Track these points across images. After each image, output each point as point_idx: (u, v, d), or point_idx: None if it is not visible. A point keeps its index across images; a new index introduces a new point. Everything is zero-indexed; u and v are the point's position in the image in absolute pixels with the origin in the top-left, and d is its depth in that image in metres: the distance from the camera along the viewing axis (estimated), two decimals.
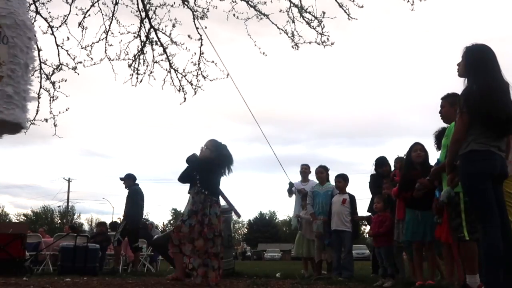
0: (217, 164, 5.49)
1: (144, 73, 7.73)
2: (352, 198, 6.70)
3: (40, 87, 7.47)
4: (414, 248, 5.16)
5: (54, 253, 8.83)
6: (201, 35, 7.44)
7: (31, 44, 3.09)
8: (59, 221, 54.32)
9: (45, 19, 7.28)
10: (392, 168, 6.45)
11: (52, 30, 7.34)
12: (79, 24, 7.29)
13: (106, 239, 9.69)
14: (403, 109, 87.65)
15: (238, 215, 7.35)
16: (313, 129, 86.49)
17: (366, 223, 7.67)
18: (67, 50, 7.35)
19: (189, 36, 7.43)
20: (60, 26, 7.29)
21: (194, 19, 7.43)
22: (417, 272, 5.19)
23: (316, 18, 6.89)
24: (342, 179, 6.82)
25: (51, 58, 7.47)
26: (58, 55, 7.43)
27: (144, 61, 7.75)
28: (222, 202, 6.13)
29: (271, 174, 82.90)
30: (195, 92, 7.75)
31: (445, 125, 4.90)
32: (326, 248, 6.88)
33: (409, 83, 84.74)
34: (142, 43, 7.68)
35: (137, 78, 7.72)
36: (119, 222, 12.20)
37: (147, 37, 7.65)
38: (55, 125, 7.43)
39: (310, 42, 7.09)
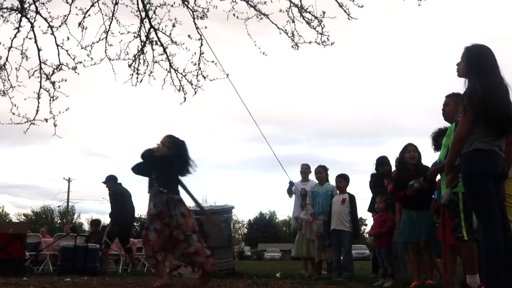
0: (173, 162, 5.06)
1: (144, 73, 7.72)
2: (351, 198, 6.70)
3: (40, 87, 7.46)
4: (411, 248, 5.17)
5: (54, 253, 8.83)
6: (201, 35, 7.45)
7: None
8: (59, 221, 54.30)
9: (45, 19, 7.28)
10: (393, 169, 6.46)
11: (52, 30, 7.33)
12: (79, 24, 7.28)
13: (101, 237, 9.62)
14: (403, 109, 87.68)
15: (214, 224, 6.71)
16: (313, 129, 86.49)
17: (365, 223, 7.69)
18: (67, 50, 7.34)
19: (189, 36, 7.43)
20: (60, 26, 7.28)
21: (193, 19, 7.43)
22: (413, 272, 5.21)
23: (316, 18, 6.88)
24: (343, 179, 6.82)
25: (51, 58, 7.47)
26: (58, 55, 7.42)
27: (144, 61, 7.74)
28: (223, 202, 6.04)
29: (271, 174, 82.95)
30: (195, 92, 7.74)
31: (443, 125, 4.92)
32: (326, 248, 6.89)
33: (409, 83, 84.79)
34: (142, 43, 7.68)
35: (137, 78, 7.71)
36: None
37: (147, 37, 7.65)
38: (55, 125, 7.42)
39: (310, 42, 7.08)
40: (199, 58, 7.54)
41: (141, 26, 7.59)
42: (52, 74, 7.46)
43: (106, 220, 12.59)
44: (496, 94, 3.41)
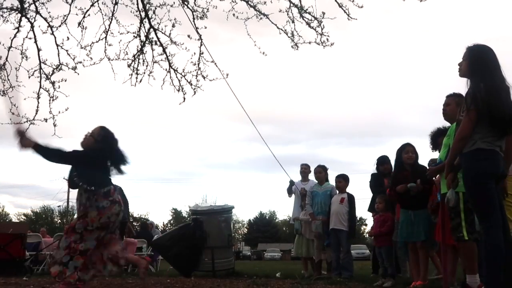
0: (97, 157, 4.49)
1: (144, 73, 7.72)
2: (350, 197, 6.69)
3: (40, 87, 7.47)
4: (410, 248, 5.19)
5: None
6: (200, 35, 7.45)
7: None
8: (59, 221, 54.31)
9: (45, 19, 7.29)
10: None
11: (52, 30, 7.35)
12: (79, 24, 7.29)
13: None
14: (403, 109, 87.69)
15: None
16: (313, 129, 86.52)
17: (365, 223, 7.69)
18: (67, 50, 7.35)
19: (188, 36, 7.43)
20: (60, 26, 7.29)
21: (193, 19, 7.43)
22: (413, 272, 5.21)
23: (316, 18, 6.88)
24: (343, 179, 6.82)
25: (51, 58, 7.48)
26: (58, 55, 7.44)
27: (143, 61, 7.75)
28: (223, 202, 5.93)
29: (271, 174, 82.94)
30: (195, 92, 7.74)
31: (442, 125, 4.91)
32: (325, 248, 6.89)
33: (409, 83, 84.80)
34: (142, 43, 7.68)
35: (136, 78, 7.71)
36: None
37: (146, 37, 7.65)
38: (54, 125, 7.43)
39: (310, 42, 7.08)
40: (199, 58, 7.55)
41: (140, 26, 7.60)
42: (52, 74, 7.48)
43: None
44: (499, 94, 3.41)
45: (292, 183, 7.80)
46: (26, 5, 7.23)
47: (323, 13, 6.80)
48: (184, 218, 55.48)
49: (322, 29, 6.91)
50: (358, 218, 6.99)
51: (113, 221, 4.47)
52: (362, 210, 48.97)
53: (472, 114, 3.39)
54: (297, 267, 9.25)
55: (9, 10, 7.24)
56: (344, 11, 6.60)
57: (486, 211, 3.36)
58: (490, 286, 3.24)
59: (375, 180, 6.70)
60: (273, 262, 30.71)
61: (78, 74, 7.37)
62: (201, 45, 7.49)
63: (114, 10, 7.42)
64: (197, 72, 7.59)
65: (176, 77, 7.77)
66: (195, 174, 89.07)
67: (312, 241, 7.12)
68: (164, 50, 7.68)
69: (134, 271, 8.81)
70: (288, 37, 7.15)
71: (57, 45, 7.36)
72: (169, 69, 7.74)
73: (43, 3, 7.20)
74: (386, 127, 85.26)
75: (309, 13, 6.88)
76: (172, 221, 60.87)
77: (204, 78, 7.59)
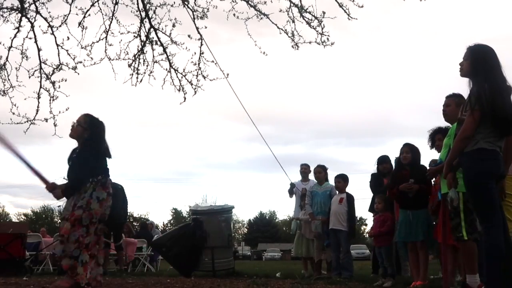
0: (94, 142, 4.52)
1: (144, 73, 7.73)
2: (349, 197, 6.68)
3: (40, 87, 7.48)
4: (409, 248, 5.20)
5: (54, 253, 8.83)
6: (201, 35, 7.45)
7: None
8: (59, 221, 54.31)
9: (45, 19, 7.30)
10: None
11: (52, 30, 7.35)
12: (79, 24, 7.29)
13: None
14: (403, 109, 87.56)
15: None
16: (312, 129, 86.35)
17: (365, 223, 7.70)
18: (67, 50, 7.35)
19: (189, 36, 7.43)
20: (60, 26, 7.30)
21: (194, 19, 7.43)
22: (413, 272, 5.21)
23: (316, 18, 6.89)
24: (342, 179, 6.81)
25: (51, 58, 7.49)
26: (58, 55, 7.44)
27: (144, 60, 7.75)
28: (223, 202, 5.94)
29: (271, 174, 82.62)
30: (195, 92, 7.75)
31: (443, 124, 4.91)
32: (325, 248, 6.88)
33: (408, 83, 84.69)
34: (142, 43, 7.69)
35: (137, 78, 7.72)
36: None
37: (147, 37, 7.66)
38: (55, 125, 7.43)
39: (310, 42, 7.09)
40: (199, 58, 7.56)
41: (141, 26, 7.60)
42: (52, 74, 7.48)
43: None
44: (502, 94, 3.41)
45: (293, 186, 7.79)
46: (26, 5, 7.24)
47: (324, 13, 6.81)
48: (184, 218, 55.47)
49: (322, 29, 6.94)
50: (358, 218, 6.97)
51: (107, 214, 4.57)
52: (363, 210, 49.03)
53: (477, 114, 3.37)
54: (297, 267, 9.25)
55: (9, 10, 7.25)
56: (344, 10, 6.61)
57: (487, 211, 3.35)
58: (490, 286, 3.24)
59: (375, 180, 6.70)
60: (273, 262, 30.72)
61: (79, 74, 7.39)
62: (201, 45, 7.50)
63: (114, 10, 7.44)
64: (197, 72, 7.61)
65: (177, 77, 7.78)
66: (195, 174, 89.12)
67: (312, 241, 7.12)
68: (164, 50, 7.69)
69: (134, 271, 8.83)
70: (289, 37, 7.17)
71: (57, 45, 7.37)
72: (170, 69, 7.75)
73: (43, 3, 7.22)
74: (386, 127, 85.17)
75: (310, 12, 6.90)
76: (172, 221, 60.85)
77: (204, 78, 7.61)
